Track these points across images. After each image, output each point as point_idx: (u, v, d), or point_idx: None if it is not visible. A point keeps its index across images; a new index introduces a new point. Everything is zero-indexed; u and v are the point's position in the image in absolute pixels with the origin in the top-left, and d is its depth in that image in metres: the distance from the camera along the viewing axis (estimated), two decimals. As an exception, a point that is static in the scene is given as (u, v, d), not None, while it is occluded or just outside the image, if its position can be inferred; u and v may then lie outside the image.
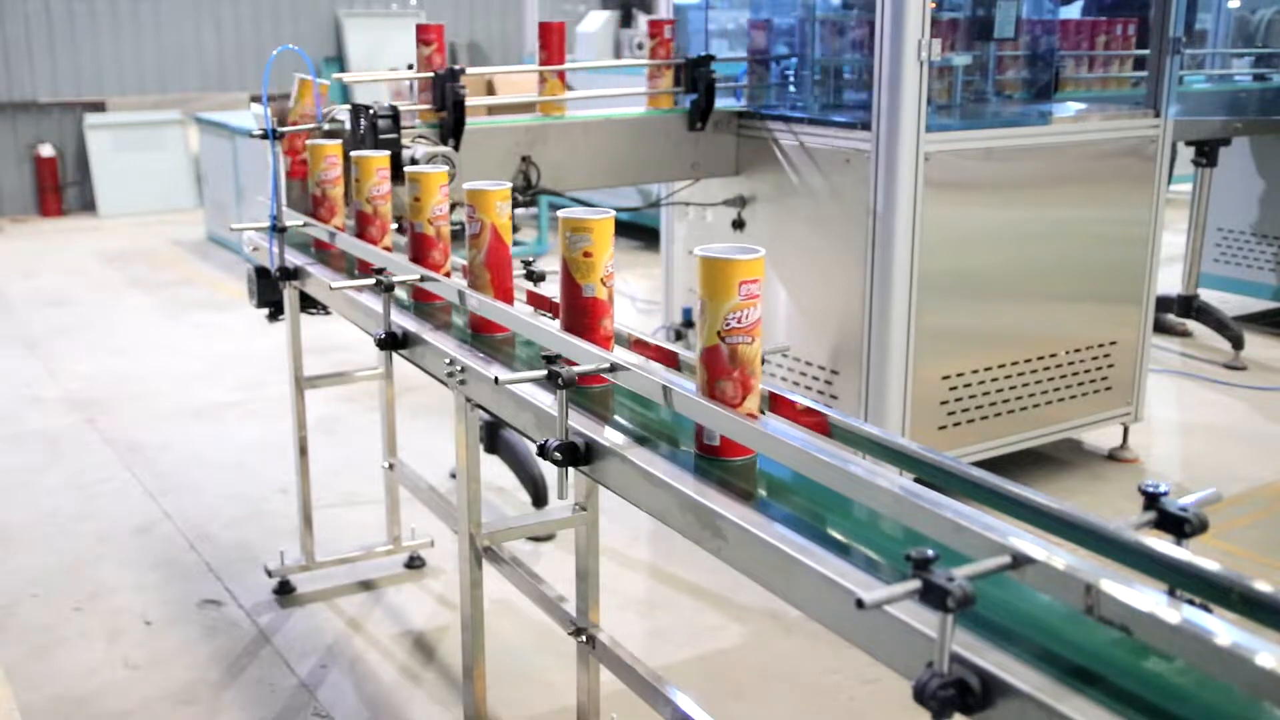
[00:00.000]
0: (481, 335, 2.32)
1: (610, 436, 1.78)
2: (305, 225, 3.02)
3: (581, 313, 1.99)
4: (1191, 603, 1.18)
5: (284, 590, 3.57)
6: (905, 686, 1.18)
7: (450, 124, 3.51)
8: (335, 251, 3.04)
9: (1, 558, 3.86)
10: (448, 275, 2.51)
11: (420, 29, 3.68)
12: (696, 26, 4.73)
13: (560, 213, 1.98)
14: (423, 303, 2.54)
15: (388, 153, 2.84)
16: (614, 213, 2.00)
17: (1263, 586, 1.15)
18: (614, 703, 2.68)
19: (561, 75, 3.94)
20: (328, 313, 3.15)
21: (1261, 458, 4.65)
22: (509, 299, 2.26)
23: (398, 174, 2.92)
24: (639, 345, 2.10)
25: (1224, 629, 1.06)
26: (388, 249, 2.76)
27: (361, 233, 2.82)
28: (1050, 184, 4.02)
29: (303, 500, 3.53)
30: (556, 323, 2.08)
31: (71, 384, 5.66)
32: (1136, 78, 4.71)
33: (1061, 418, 4.23)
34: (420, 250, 2.51)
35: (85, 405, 5.34)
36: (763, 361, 1.83)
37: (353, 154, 2.81)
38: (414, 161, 3.22)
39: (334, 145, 3.02)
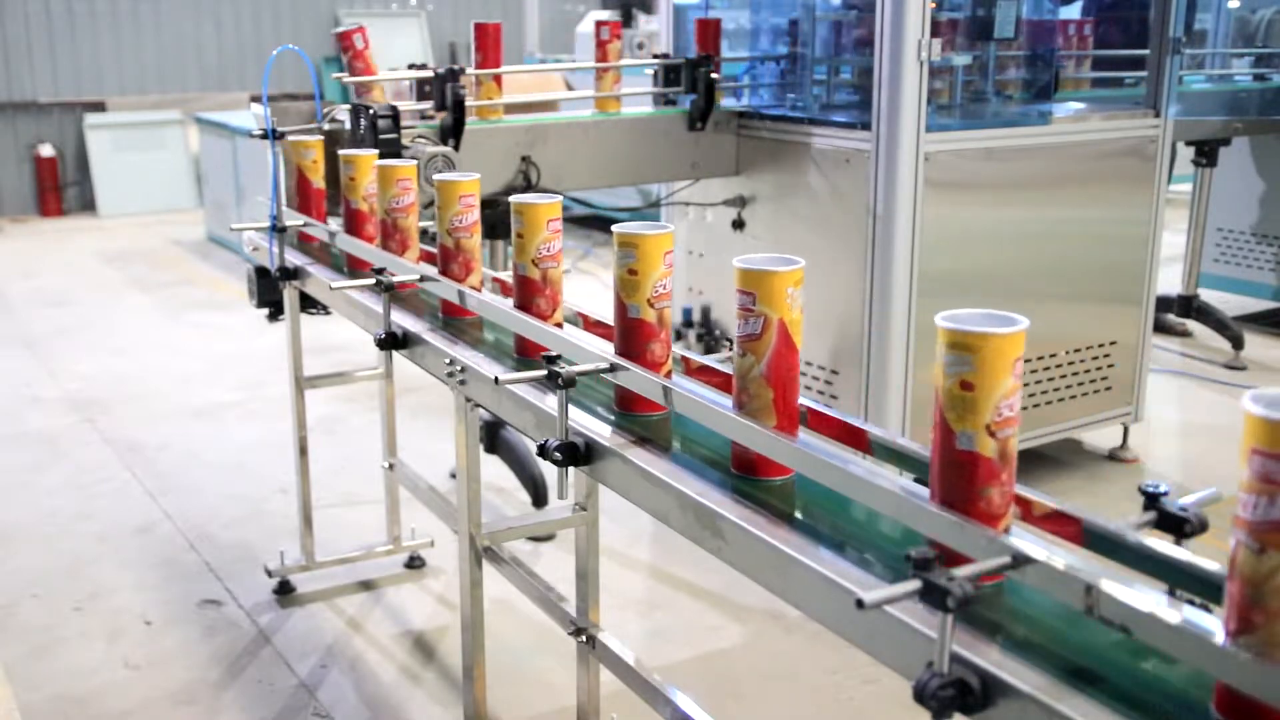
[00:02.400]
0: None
1: (610, 436, 1.78)
2: (305, 225, 3.02)
3: (626, 334, 1.84)
4: (1191, 603, 1.18)
5: (284, 590, 3.57)
6: (905, 686, 1.18)
7: (450, 124, 3.51)
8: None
9: (1, 558, 3.86)
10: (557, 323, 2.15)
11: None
12: (694, 28, 4.72)
13: (615, 227, 1.82)
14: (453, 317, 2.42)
15: (476, 176, 2.34)
16: (669, 228, 1.82)
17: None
18: (614, 703, 2.68)
19: (498, 79, 3.84)
20: (328, 313, 3.15)
21: (1261, 458, 4.64)
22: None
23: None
24: (702, 371, 1.95)
25: (822, 446, 1.06)
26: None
27: (445, 269, 2.37)
28: (1050, 184, 4.02)
29: (303, 500, 3.53)
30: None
31: (71, 384, 5.66)
32: (1130, 77, 4.72)
33: (1061, 418, 4.23)
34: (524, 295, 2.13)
35: (85, 405, 5.34)
36: None
37: (437, 179, 2.34)
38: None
39: (408, 167, 2.59)
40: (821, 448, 1.53)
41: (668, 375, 1.84)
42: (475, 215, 2.31)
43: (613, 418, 1.87)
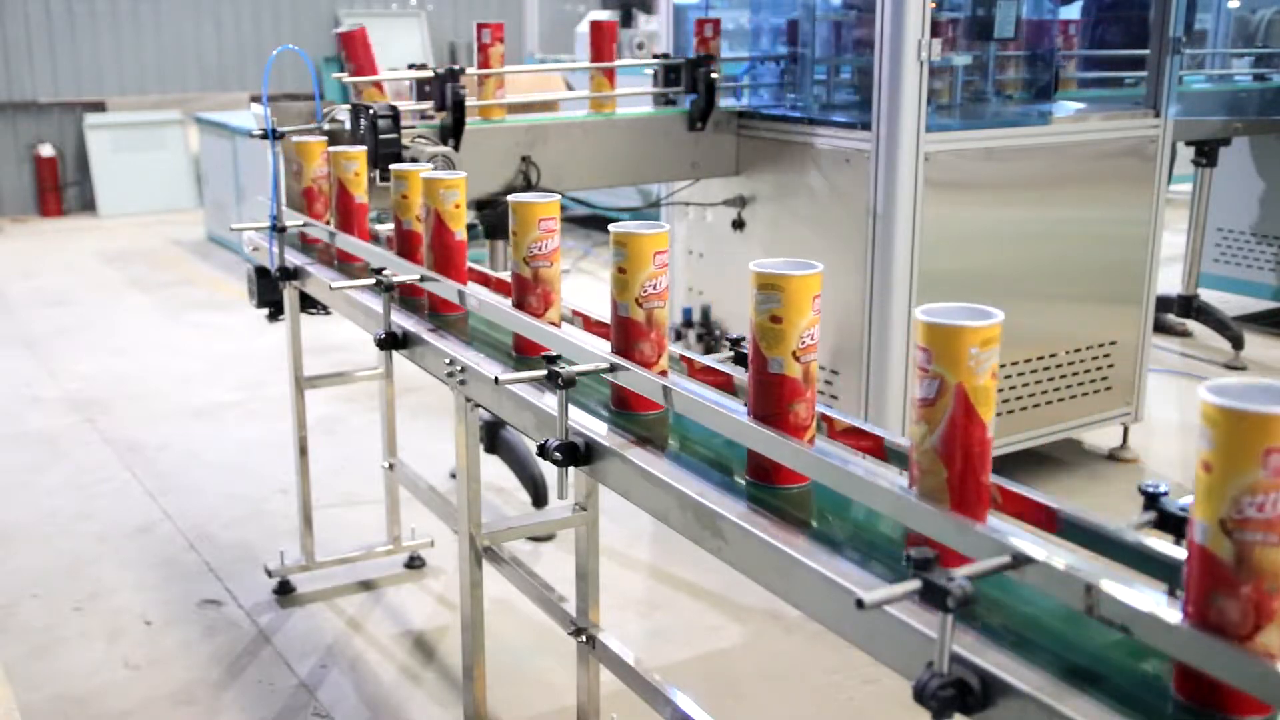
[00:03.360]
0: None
1: (610, 436, 1.78)
2: (305, 225, 3.02)
3: (762, 390, 1.60)
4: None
5: (284, 590, 3.57)
6: (905, 686, 1.18)
7: (450, 124, 3.51)
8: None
9: (1, 558, 3.86)
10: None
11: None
12: (695, 26, 4.72)
13: (754, 264, 1.59)
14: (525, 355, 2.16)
15: (556, 198, 2.10)
16: (662, 228, 1.76)
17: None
18: (614, 703, 2.68)
19: (500, 80, 3.84)
20: (328, 313, 3.15)
21: (1261, 458, 4.64)
22: (972, 509, 1.33)
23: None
24: (705, 372, 1.92)
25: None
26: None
27: (522, 304, 2.13)
28: (1050, 184, 4.02)
29: (303, 500, 3.53)
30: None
31: (71, 384, 5.66)
32: (1130, 77, 4.71)
33: (1061, 418, 4.23)
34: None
35: (85, 405, 5.34)
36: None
37: (513, 200, 2.07)
38: (414, 162, 3.22)
39: (550, 204, 2.09)
40: (829, 452, 1.53)
41: (662, 374, 1.84)
42: (556, 241, 2.10)
43: (606, 413, 1.87)
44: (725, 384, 1.91)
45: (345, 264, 2.95)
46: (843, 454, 1.55)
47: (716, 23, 4.15)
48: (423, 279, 2.41)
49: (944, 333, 1.31)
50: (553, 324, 2.08)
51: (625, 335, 1.85)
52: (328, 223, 3.02)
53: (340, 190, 2.88)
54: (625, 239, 1.79)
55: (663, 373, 1.85)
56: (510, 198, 2.06)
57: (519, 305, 2.11)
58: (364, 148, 2.93)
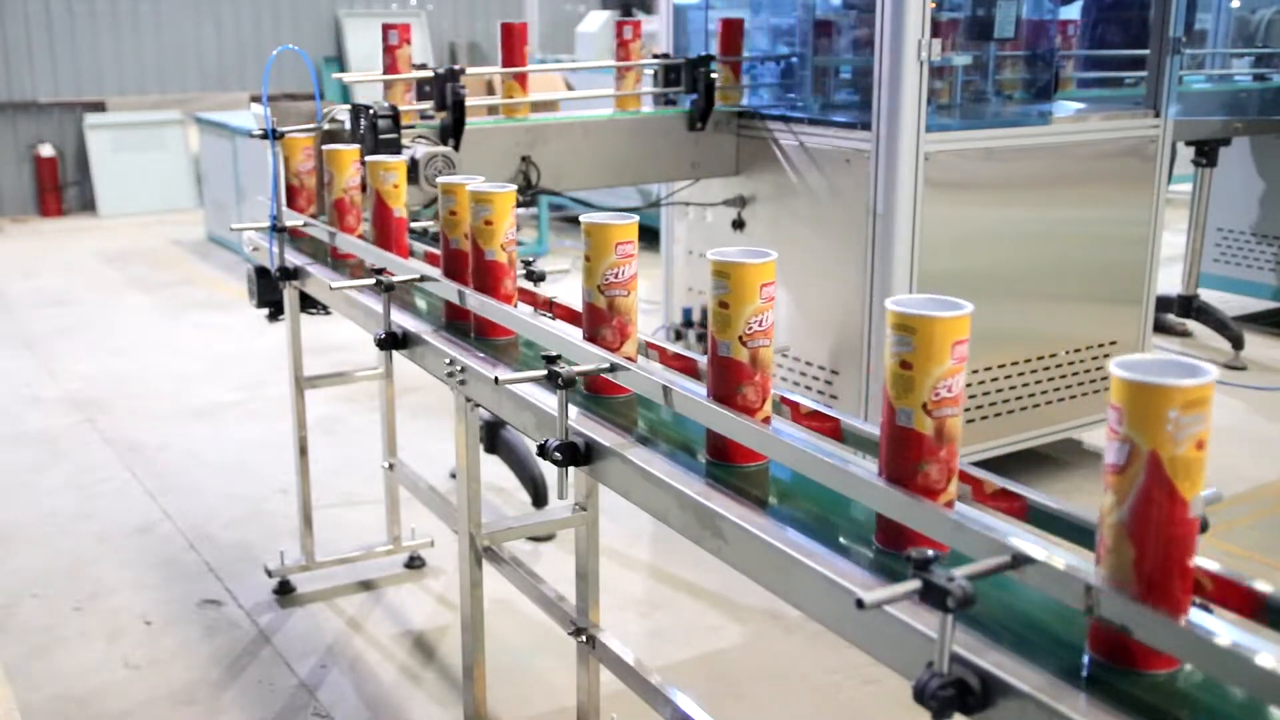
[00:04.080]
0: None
1: (610, 436, 1.78)
2: (305, 225, 3.02)
3: (714, 373, 1.68)
4: (1192, 603, 1.18)
5: (284, 590, 3.57)
6: (905, 686, 1.18)
7: (450, 124, 3.51)
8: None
9: (1, 558, 3.86)
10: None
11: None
12: (696, 26, 4.72)
13: (710, 251, 1.65)
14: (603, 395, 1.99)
15: (633, 220, 1.94)
16: (769, 257, 1.63)
17: (1263, 586, 1.15)
18: (614, 703, 2.68)
19: (520, 78, 3.87)
20: (328, 313, 3.15)
21: (1261, 458, 4.65)
22: (1171, 602, 1.15)
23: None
24: (676, 359, 1.98)
25: (1224, 629, 1.06)
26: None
27: (593, 334, 1.99)
28: (1050, 184, 4.02)
29: (303, 500, 3.53)
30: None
31: (71, 384, 5.66)
32: (1130, 77, 4.71)
33: (1061, 418, 4.22)
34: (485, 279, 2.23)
35: (85, 405, 5.34)
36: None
37: (585, 220, 1.96)
38: (414, 161, 3.22)
39: (628, 225, 1.93)
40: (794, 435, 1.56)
41: (630, 359, 1.92)
42: (634, 268, 1.91)
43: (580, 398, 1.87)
44: (689, 369, 1.99)
45: (339, 259, 2.93)
46: (796, 433, 1.62)
47: (739, 23, 4.18)
48: (423, 279, 2.41)
49: (1136, 391, 1.12)
50: (629, 358, 1.89)
51: (591, 321, 1.96)
52: (361, 237, 2.87)
53: (378, 203, 2.67)
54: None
55: (630, 358, 1.93)
56: (583, 218, 1.90)
57: (591, 338, 1.93)
58: (404, 157, 2.76)
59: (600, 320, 1.94)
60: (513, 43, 3.83)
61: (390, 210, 2.66)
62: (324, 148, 2.92)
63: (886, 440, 1.41)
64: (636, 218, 1.85)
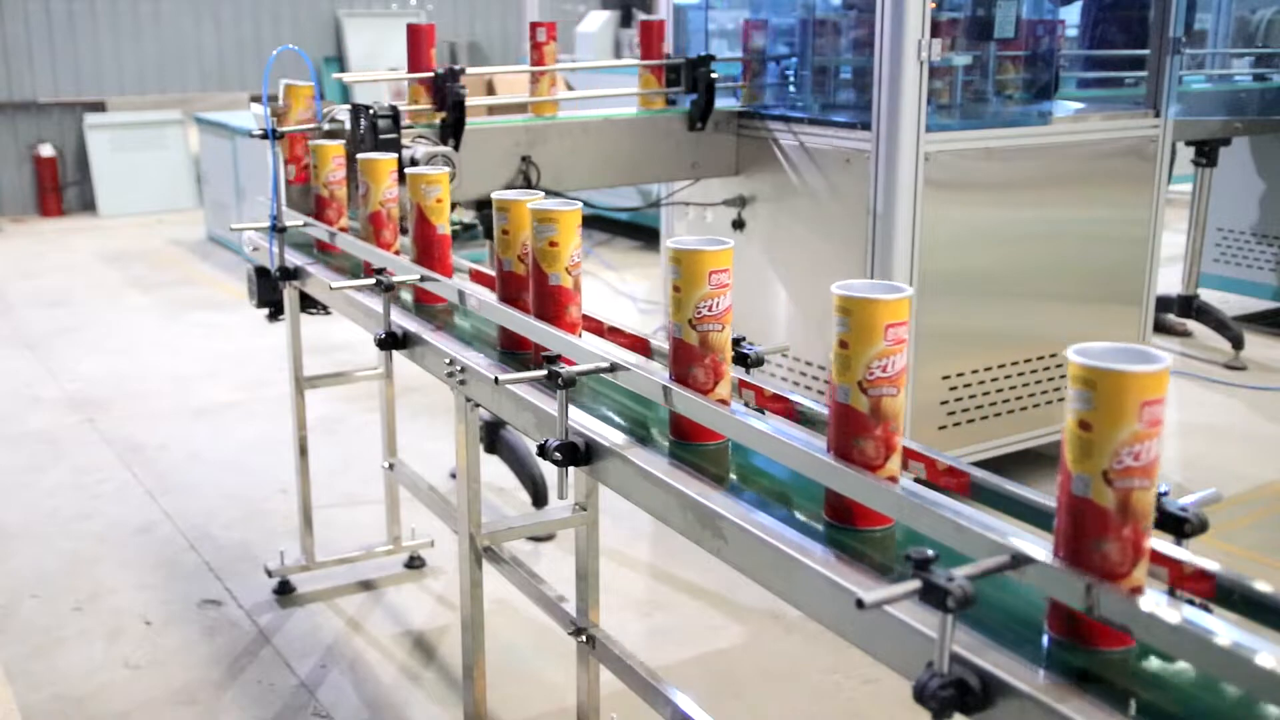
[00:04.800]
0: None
1: (610, 436, 1.78)
2: (305, 225, 3.02)
3: (672, 355, 1.77)
4: (1191, 603, 1.18)
5: (284, 590, 3.57)
6: (905, 686, 1.18)
7: (450, 124, 3.51)
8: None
9: (1, 558, 3.86)
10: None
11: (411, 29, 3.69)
12: (696, 26, 4.73)
13: (669, 240, 1.73)
14: None
15: (728, 245, 1.74)
16: (724, 245, 1.70)
17: (1263, 586, 1.15)
18: (614, 703, 2.68)
19: (554, 77, 3.92)
20: (328, 312, 3.15)
21: (1261, 458, 4.65)
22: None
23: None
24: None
25: (1224, 629, 1.06)
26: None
27: (683, 374, 1.82)
28: (1050, 184, 4.02)
29: (303, 500, 3.53)
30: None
31: (71, 384, 5.65)
32: (1130, 77, 4.71)
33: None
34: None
35: (85, 405, 5.34)
36: (763, 361, 1.84)
37: (673, 246, 1.77)
38: (414, 162, 3.22)
39: (723, 252, 1.74)
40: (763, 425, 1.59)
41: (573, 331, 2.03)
42: (728, 300, 1.71)
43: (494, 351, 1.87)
44: (642, 347, 2.09)
45: (426, 305, 2.56)
46: (753, 417, 1.66)
47: (763, 24, 4.20)
48: (423, 279, 2.41)
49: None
50: (722, 401, 1.74)
51: (681, 359, 1.79)
52: (397, 253, 2.65)
53: (419, 219, 2.45)
54: (681, 257, 1.77)
55: (723, 400, 1.79)
56: (672, 243, 1.73)
57: (681, 379, 1.75)
58: (447, 169, 2.54)
59: (692, 359, 1.73)
60: (540, 42, 3.89)
61: (433, 226, 2.46)
62: (360, 157, 2.71)
63: (830, 417, 1.50)
64: (730, 243, 1.69)
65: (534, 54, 3.91)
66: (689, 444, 1.76)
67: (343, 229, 2.99)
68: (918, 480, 1.52)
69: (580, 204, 2.02)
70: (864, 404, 1.44)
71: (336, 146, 3.03)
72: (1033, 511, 1.41)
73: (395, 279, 2.39)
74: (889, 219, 3.64)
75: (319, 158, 3.01)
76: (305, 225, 3.02)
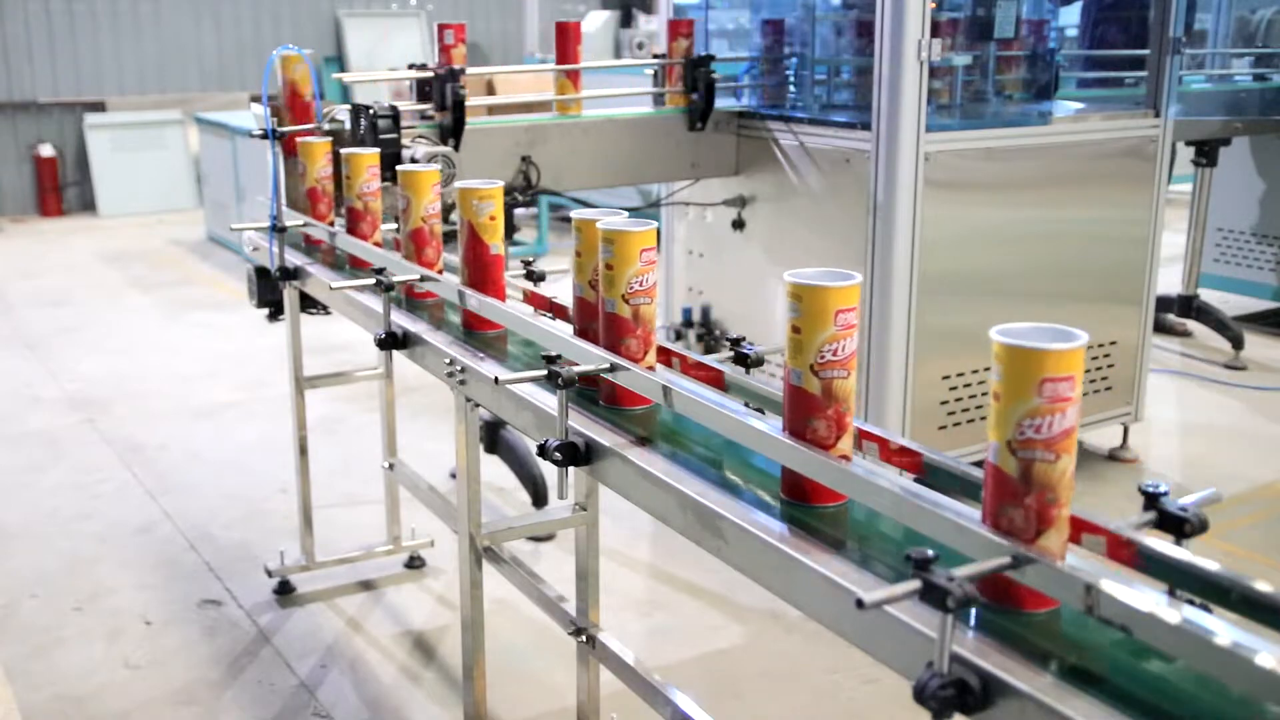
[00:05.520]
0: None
1: (610, 436, 1.78)
2: (305, 225, 3.02)
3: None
4: (1191, 603, 1.18)
5: (284, 590, 3.57)
6: (905, 686, 1.18)
7: (450, 124, 3.51)
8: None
9: (1, 558, 3.86)
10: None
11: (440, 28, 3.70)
12: (696, 26, 4.72)
13: (600, 223, 1.82)
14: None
15: (855, 281, 1.52)
16: (649, 226, 1.81)
17: (1263, 586, 1.15)
18: (614, 703, 2.68)
19: (573, 75, 3.92)
20: (328, 312, 3.15)
21: (1261, 458, 4.65)
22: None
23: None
24: (698, 368, 1.89)
25: (1224, 629, 1.06)
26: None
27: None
28: (1050, 184, 4.02)
29: (303, 500, 3.53)
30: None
31: (71, 384, 5.65)
32: (1130, 77, 4.71)
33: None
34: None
35: (85, 405, 5.34)
36: (763, 361, 1.84)
37: (791, 280, 1.55)
38: (414, 162, 3.22)
39: (849, 288, 1.52)
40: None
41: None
42: (852, 344, 1.51)
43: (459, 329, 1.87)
44: (714, 379, 2.01)
45: (478, 331, 2.40)
46: (677, 378, 1.80)
47: (780, 23, 4.20)
48: (423, 279, 2.41)
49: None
50: (650, 368, 1.86)
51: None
52: (440, 272, 2.50)
53: (471, 238, 2.28)
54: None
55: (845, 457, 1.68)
56: (602, 225, 1.83)
57: (613, 347, 1.86)
58: (499, 183, 2.29)
59: (815, 409, 1.54)
60: (567, 42, 3.89)
61: (486, 246, 2.28)
62: (400, 169, 2.52)
63: (784, 399, 1.56)
64: (858, 280, 1.51)
65: (561, 55, 3.90)
66: (620, 407, 1.90)
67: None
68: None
69: (652, 224, 1.84)
70: (816, 386, 1.50)
71: (371, 155, 2.81)
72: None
73: (395, 279, 2.39)
74: (889, 219, 3.64)
75: (409, 186, 2.52)
76: (305, 225, 3.02)
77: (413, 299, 2.57)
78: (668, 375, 1.81)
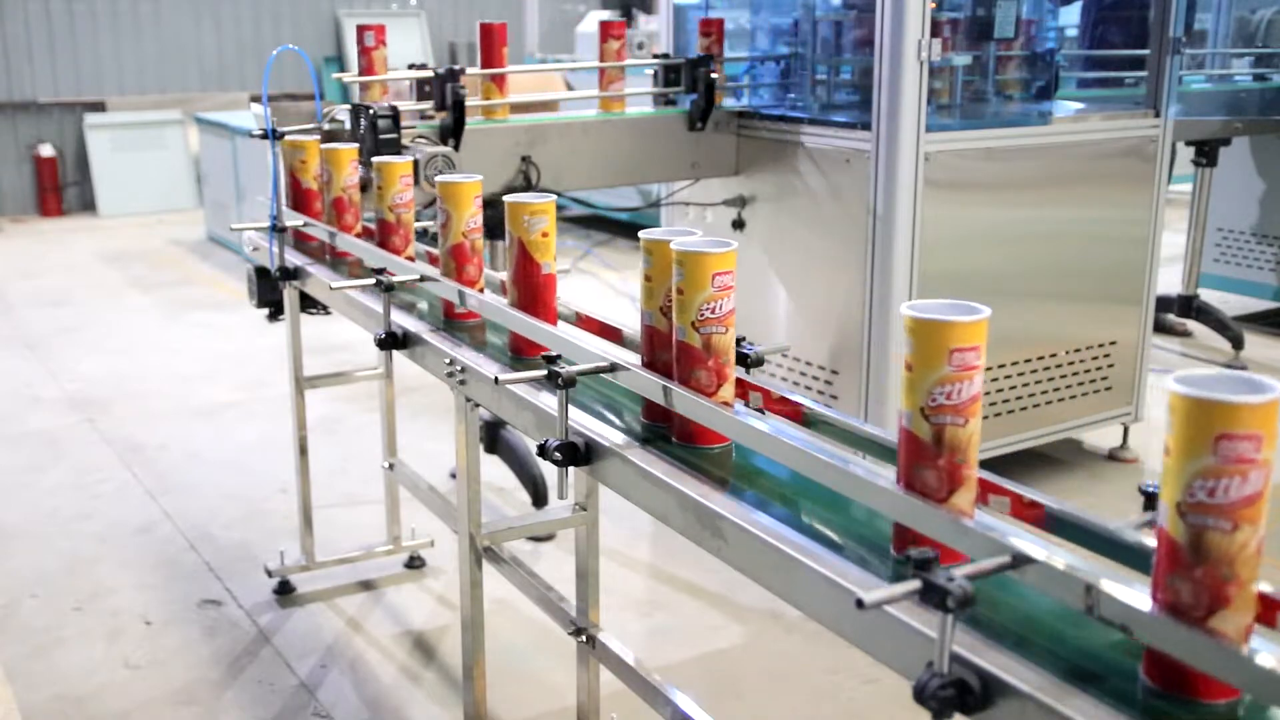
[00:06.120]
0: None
1: (610, 436, 1.78)
2: (305, 225, 3.02)
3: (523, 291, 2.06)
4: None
5: (284, 590, 3.57)
6: (905, 686, 1.19)
7: (450, 124, 3.51)
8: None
9: (1, 558, 3.86)
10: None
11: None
12: (696, 26, 4.72)
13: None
14: None
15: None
16: (548, 199, 2.01)
17: (1263, 586, 1.15)
18: (614, 703, 2.68)
19: (498, 80, 3.79)
20: (328, 312, 3.15)
21: (1261, 458, 4.64)
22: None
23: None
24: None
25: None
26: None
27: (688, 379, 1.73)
28: (1050, 184, 4.02)
29: (303, 500, 3.53)
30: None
31: (71, 384, 5.66)
32: (1130, 77, 4.71)
33: (1061, 418, 4.22)
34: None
35: (85, 405, 5.34)
36: (763, 362, 1.84)
37: (907, 313, 1.43)
38: (414, 162, 3.21)
39: (720, 253, 1.68)
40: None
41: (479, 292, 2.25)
42: (977, 385, 1.34)
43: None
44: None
45: (454, 321, 2.40)
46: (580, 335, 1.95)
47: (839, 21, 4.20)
48: (423, 279, 2.40)
49: None
50: (725, 404, 1.70)
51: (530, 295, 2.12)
52: (481, 290, 2.34)
53: (521, 256, 2.10)
54: (532, 210, 2.09)
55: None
56: (675, 246, 1.68)
57: (688, 382, 1.71)
58: (551, 197, 2.12)
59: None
60: (492, 43, 3.76)
61: (538, 265, 2.10)
62: (439, 180, 2.34)
63: (673, 353, 1.70)
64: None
65: (485, 59, 3.75)
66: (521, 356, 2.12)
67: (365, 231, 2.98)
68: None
69: (731, 245, 1.68)
70: (697, 340, 1.67)
71: (405, 164, 2.65)
72: (868, 443, 1.63)
73: (395, 279, 2.39)
74: (889, 219, 3.64)
75: (450, 198, 2.32)
76: (305, 225, 3.02)
77: (452, 320, 2.40)
78: (722, 411, 1.64)
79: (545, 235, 2.10)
